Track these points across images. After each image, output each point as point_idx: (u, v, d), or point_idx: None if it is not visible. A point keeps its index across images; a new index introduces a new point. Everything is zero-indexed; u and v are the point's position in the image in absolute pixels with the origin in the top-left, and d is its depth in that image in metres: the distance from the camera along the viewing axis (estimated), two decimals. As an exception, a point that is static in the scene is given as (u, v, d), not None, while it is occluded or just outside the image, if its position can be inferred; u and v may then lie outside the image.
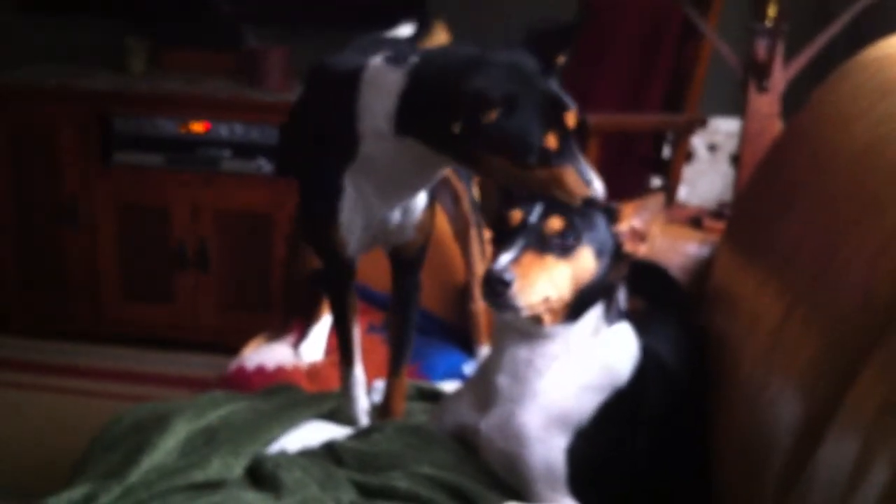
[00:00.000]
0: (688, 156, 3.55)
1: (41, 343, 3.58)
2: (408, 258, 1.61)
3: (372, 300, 2.07)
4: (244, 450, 1.44)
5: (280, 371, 1.92)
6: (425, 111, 1.38)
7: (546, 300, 1.34)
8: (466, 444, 1.49)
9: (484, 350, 1.96)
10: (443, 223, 1.95)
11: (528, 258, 1.33)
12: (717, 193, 3.70)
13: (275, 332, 2.11)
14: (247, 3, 3.73)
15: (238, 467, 1.41)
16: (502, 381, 1.44)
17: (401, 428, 1.54)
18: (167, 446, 1.43)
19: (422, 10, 3.34)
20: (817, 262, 1.27)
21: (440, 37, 1.80)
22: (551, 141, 1.32)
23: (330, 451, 1.50)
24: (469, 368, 1.94)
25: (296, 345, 2.02)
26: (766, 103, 2.62)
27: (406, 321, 1.65)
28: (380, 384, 1.75)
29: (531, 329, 1.40)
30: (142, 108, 3.45)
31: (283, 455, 1.47)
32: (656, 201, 1.43)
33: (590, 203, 1.36)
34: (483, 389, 1.48)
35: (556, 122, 1.33)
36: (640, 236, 1.43)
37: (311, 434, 1.56)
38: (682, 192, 3.62)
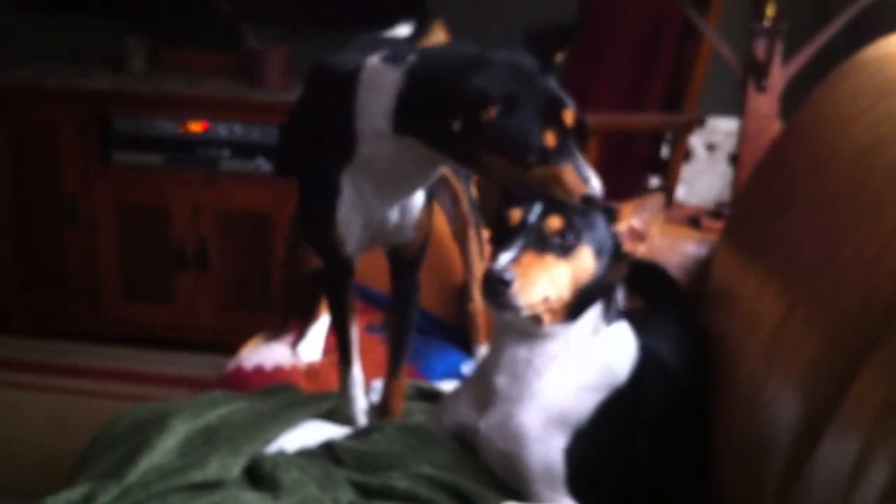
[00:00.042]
0: (686, 155, 3.55)
1: (41, 343, 3.59)
2: (406, 258, 1.61)
3: (371, 300, 2.07)
4: (243, 450, 1.44)
5: (278, 371, 1.92)
6: (424, 110, 1.38)
7: (546, 300, 1.35)
8: (465, 443, 1.49)
9: (482, 350, 1.96)
10: (441, 223, 1.95)
11: (528, 258, 1.33)
12: (715, 193, 3.70)
13: (273, 332, 2.11)
14: (247, 3, 3.74)
15: (236, 467, 1.41)
16: (501, 380, 1.44)
17: (400, 428, 1.54)
18: (166, 446, 1.43)
19: (421, 10, 3.34)
20: (817, 262, 1.27)
21: (438, 36, 1.80)
22: (550, 139, 1.32)
23: (329, 451, 1.50)
24: (468, 368, 1.95)
25: (294, 345, 2.02)
26: (765, 103, 2.62)
27: (405, 321, 1.65)
28: (378, 384, 1.75)
29: (530, 329, 1.40)
30: (142, 108, 3.45)
31: (281, 455, 1.47)
32: (656, 201, 1.43)
33: (588, 201, 1.36)
34: (482, 389, 1.48)
35: (555, 121, 1.33)
36: (639, 236, 1.43)
37: (310, 434, 1.55)
38: (681, 192, 3.62)
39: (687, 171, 3.67)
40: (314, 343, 2.01)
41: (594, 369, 1.43)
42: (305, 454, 1.49)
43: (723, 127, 3.65)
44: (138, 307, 3.59)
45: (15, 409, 3.14)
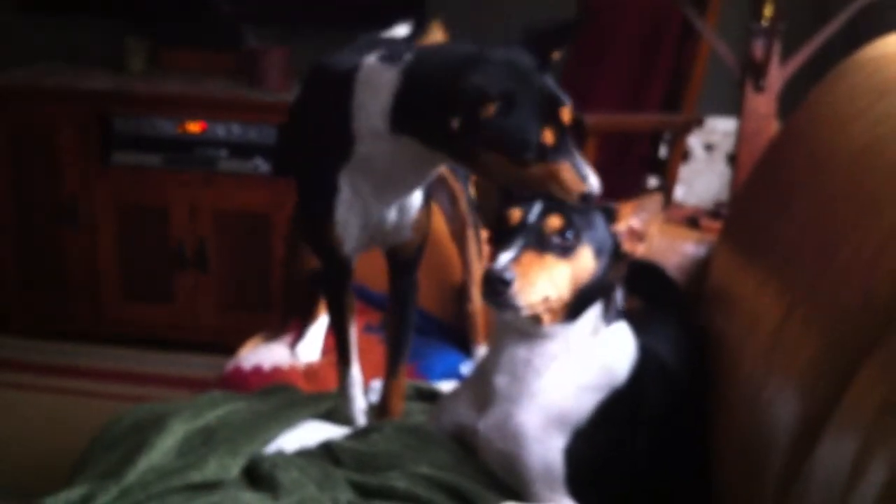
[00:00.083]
0: (684, 155, 3.55)
1: (41, 343, 3.59)
2: (405, 258, 1.61)
3: (369, 300, 2.07)
4: (241, 450, 1.44)
5: (277, 371, 1.92)
6: (421, 109, 1.38)
7: (546, 299, 1.35)
8: (465, 444, 1.49)
9: (481, 350, 1.96)
10: (440, 223, 1.95)
11: (528, 257, 1.33)
12: (713, 193, 3.70)
13: (272, 333, 2.11)
14: (247, 3, 3.74)
15: (235, 468, 1.41)
16: (500, 380, 1.44)
17: (399, 428, 1.54)
18: (164, 447, 1.43)
19: (421, 10, 3.35)
20: (816, 262, 1.27)
21: (436, 36, 1.80)
22: (548, 136, 1.32)
23: (327, 451, 1.50)
24: (466, 368, 1.95)
25: (293, 345, 2.02)
26: (763, 103, 2.62)
27: (403, 321, 1.65)
28: (377, 384, 1.75)
29: (530, 329, 1.41)
30: (142, 108, 3.45)
31: (280, 455, 1.47)
32: (655, 201, 1.43)
33: (586, 199, 1.36)
34: (481, 389, 1.48)
35: (553, 118, 1.33)
36: (638, 236, 1.43)
37: (309, 434, 1.55)
38: (679, 192, 3.62)
39: (685, 171, 3.67)
40: (313, 343, 2.01)
41: (594, 369, 1.43)
42: (304, 454, 1.49)
43: (721, 127, 3.65)
44: (138, 307, 3.59)
45: (15, 410, 3.14)
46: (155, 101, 3.46)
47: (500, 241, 1.37)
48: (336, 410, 1.65)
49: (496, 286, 1.30)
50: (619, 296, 1.47)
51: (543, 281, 1.33)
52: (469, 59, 1.34)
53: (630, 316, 1.50)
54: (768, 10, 2.57)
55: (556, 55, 1.39)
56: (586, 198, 1.36)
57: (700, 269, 1.91)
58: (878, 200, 1.20)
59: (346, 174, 1.48)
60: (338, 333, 1.65)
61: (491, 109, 1.30)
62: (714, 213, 2.91)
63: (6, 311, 3.67)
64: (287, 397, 1.67)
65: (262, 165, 3.42)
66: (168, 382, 3.31)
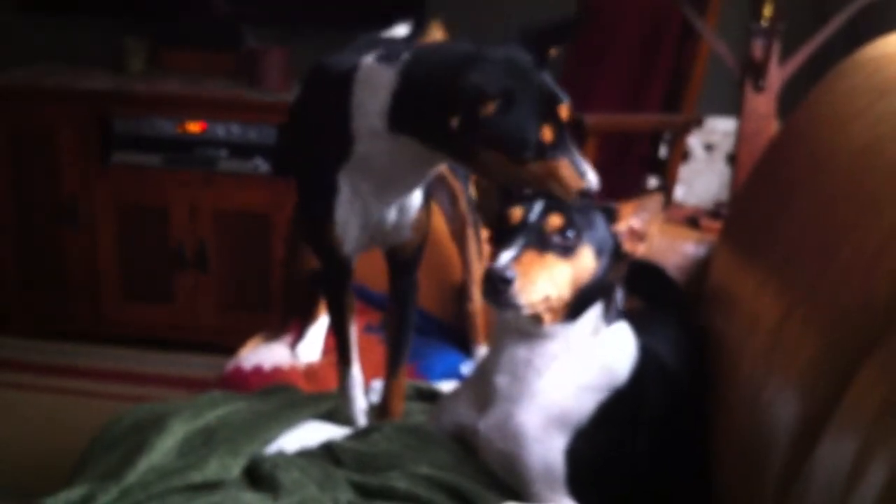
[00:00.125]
0: (684, 155, 3.55)
1: (41, 344, 3.59)
2: (405, 258, 1.61)
3: (369, 300, 2.07)
4: (242, 450, 1.44)
5: (277, 371, 1.92)
6: (419, 108, 1.38)
7: (546, 299, 1.35)
8: (465, 444, 1.49)
9: (481, 350, 1.96)
10: (440, 223, 1.95)
11: (529, 256, 1.33)
12: (713, 193, 3.70)
13: (272, 333, 2.11)
14: (246, 4, 3.73)
15: (236, 468, 1.41)
16: (501, 380, 1.44)
17: (399, 428, 1.54)
18: (165, 447, 1.43)
19: (421, 10, 3.35)
20: (816, 262, 1.27)
21: (436, 36, 1.80)
22: (547, 134, 1.33)
23: (328, 451, 1.50)
24: (467, 368, 1.95)
25: (293, 345, 2.02)
26: (763, 103, 2.62)
27: (403, 321, 1.65)
28: (377, 384, 1.75)
29: (530, 328, 1.41)
30: (141, 109, 3.45)
31: (281, 455, 1.47)
32: (655, 201, 1.43)
33: (585, 195, 1.36)
34: (482, 389, 1.48)
35: (551, 116, 1.33)
36: (638, 236, 1.43)
37: (310, 434, 1.55)
38: (679, 192, 3.62)
39: (685, 172, 3.67)
40: (313, 343, 2.01)
41: (594, 369, 1.43)
42: (305, 455, 1.49)
43: (721, 127, 3.65)
44: (138, 307, 3.59)
45: (14, 410, 3.14)
46: (154, 102, 3.46)
47: (500, 240, 1.37)
48: (336, 411, 1.65)
49: (497, 285, 1.30)
50: (619, 296, 1.47)
51: (544, 280, 1.33)
52: (467, 58, 1.34)
53: (630, 316, 1.50)
54: (768, 10, 2.57)
55: (554, 53, 1.39)
56: (585, 194, 1.36)
57: (700, 270, 1.91)
58: (879, 200, 1.20)
59: (345, 174, 1.48)
60: (338, 333, 1.65)
61: (490, 108, 1.30)
62: (714, 213, 2.91)
63: (6, 311, 3.67)
64: (287, 397, 1.67)
65: (262, 165, 3.42)
66: (168, 382, 3.31)
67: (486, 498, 1.37)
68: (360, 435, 1.55)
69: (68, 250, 3.57)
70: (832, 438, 1.04)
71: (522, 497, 1.40)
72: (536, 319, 1.39)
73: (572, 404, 1.41)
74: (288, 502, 1.33)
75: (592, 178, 1.36)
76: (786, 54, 2.60)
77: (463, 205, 1.94)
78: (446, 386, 1.79)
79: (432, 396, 1.75)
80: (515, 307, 1.33)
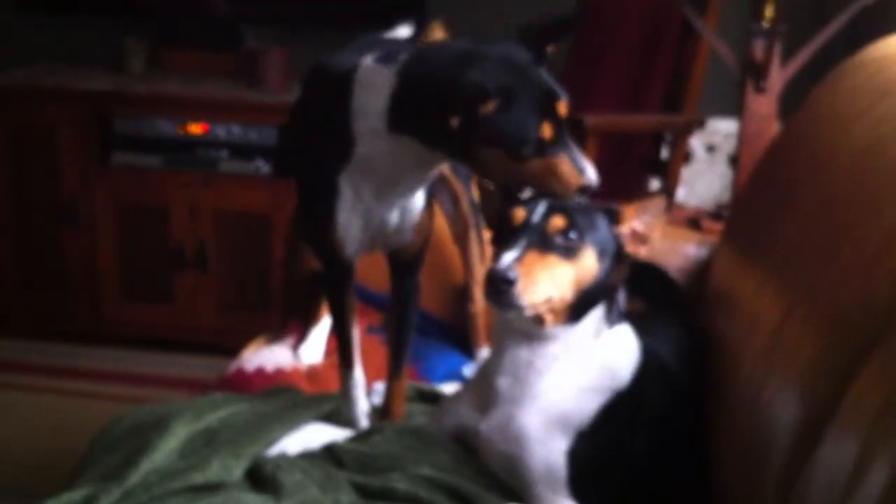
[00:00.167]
0: (686, 157, 3.55)
1: (41, 345, 3.58)
2: (406, 260, 1.61)
3: (370, 301, 2.07)
4: (244, 452, 1.44)
5: (279, 373, 1.92)
6: (418, 108, 1.38)
7: (549, 300, 1.34)
8: (466, 445, 1.49)
9: (483, 352, 1.96)
10: (442, 224, 1.95)
11: (532, 257, 1.33)
12: (715, 194, 3.70)
13: (274, 334, 2.11)
14: (246, 4, 3.73)
15: (238, 469, 1.41)
16: (502, 382, 1.44)
17: (401, 430, 1.54)
18: (166, 448, 1.43)
19: (421, 10, 3.35)
20: (817, 263, 1.27)
21: (437, 36, 1.80)
22: (546, 131, 1.33)
23: (330, 452, 1.50)
24: (468, 370, 1.94)
25: (295, 346, 2.02)
26: (764, 104, 2.62)
27: (405, 323, 1.64)
28: (379, 386, 1.75)
29: (532, 330, 1.40)
30: (141, 109, 3.45)
31: (282, 457, 1.47)
32: (658, 204, 1.43)
33: (585, 191, 1.36)
34: (483, 391, 1.48)
35: (550, 112, 1.33)
36: (641, 238, 1.43)
37: (311, 436, 1.55)
38: (681, 193, 3.62)
39: (687, 173, 3.66)
40: (315, 345, 2.00)
41: (596, 371, 1.43)
42: (307, 456, 1.49)
43: (722, 128, 3.65)
44: (138, 307, 3.59)
45: (15, 410, 3.14)
46: (155, 102, 3.46)
47: (503, 241, 1.37)
48: (338, 412, 1.65)
49: (499, 286, 1.30)
50: (621, 297, 1.47)
51: (546, 281, 1.33)
52: (465, 57, 1.34)
53: (632, 317, 1.50)
54: (769, 11, 2.57)
55: (552, 50, 1.39)
56: (585, 191, 1.36)
57: (701, 271, 1.91)
58: (879, 201, 1.20)
59: (346, 176, 1.48)
60: (340, 335, 1.65)
61: (490, 107, 1.30)
62: (715, 214, 2.91)
63: (6, 311, 3.66)
64: (289, 399, 1.67)
65: (263, 167, 3.42)
66: (168, 384, 3.31)
67: (487, 499, 1.37)
68: (361, 436, 1.55)
69: (68, 250, 3.57)
70: (833, 439, 1.04)
71: (524, 498, 1.40)
72: (538, 321, 1.39)
73: (574, 406, 1.41)
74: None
75: (592, 175, 1.36)
76: (787, 55, 2.60)
77: (465, 206, 1.94)
78: (448, 387, 1.79)
79: (434, 398, 1.75)
80: (518, 308, 1.33)
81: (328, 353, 1.98)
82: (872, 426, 0.95)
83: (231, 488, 1.38)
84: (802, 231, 1.39)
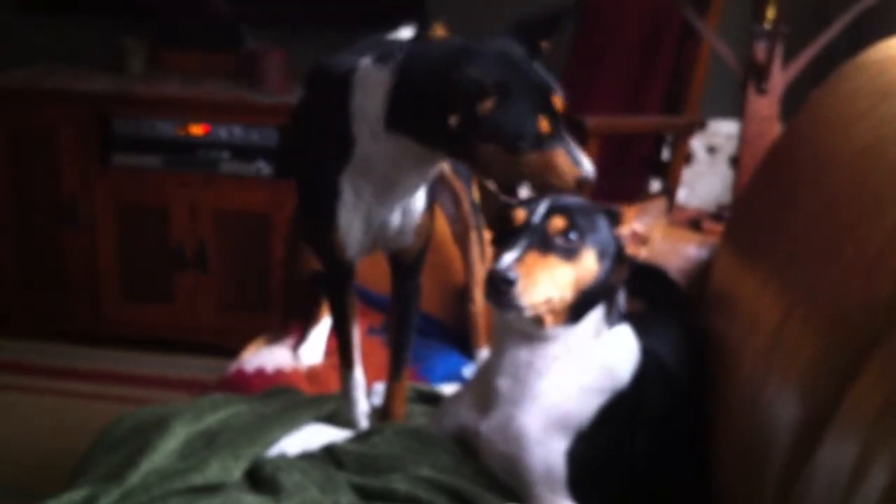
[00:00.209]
0: (687, 158, 3.55)
1: (41, 345, 3.58)
2: (407, 262, 1.61)
3: (371, 302, 2.07)
4: (243, 452, 1.43)
5: (279, 374, 1.92)
6: (415, 107, 1.38)
7: (548, 301, 1.34)
8: (466, 446, 1.49)
9: (483, 352, 1.96)
10: (442, 225, 1.94)
11: (532, 258, 1.33)
12: (715, 196, 3.70)
13: (274, 335, 2.11)
14: (246, 4, 3.73)
15: (237, 470, 1.41)
16: (502, 383, 1.44)
17: (400, 430, 1.54)
18: (166, 449, 1.43)
19: (421, 10, 3.35)
20: (818, 263, 1.27)
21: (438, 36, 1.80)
22: (543, 124, 1.33)
23: (330, 453, 1.50)
24: (468, 371, 1.94)
25: (295, 347, 2.02)
26: (765, 105, 2.62)
27: (406, 324, 1.64)
28: (379, 387, 1.75)
29: (532, 330, 1.40)
30: (141, 110, 3.45)
31: (282, 458, 1.47)
32: (659, 205, 1.43)
33: (582, 184, 1.36)
34: (483, 391, 1.48)
35: (546, 106, 1.33)
36: (641, 239, 1.43)
37: (311, 437, 1.55)
38: (681, 195, 3.62)
39: (688, 174, 3.66)
40: (315, 346, 2.00)
41: (596, 371, 1.43)
42: (306, 457, 1.49)
43: (723, 129, 3.65)
44: (138, 307, 3.59)
45: (15, 411, 3.14)
46: (155, 103, 3.45)
47: (503, 241, 1.37)
48: (338, 413, 1.64)
49: (500, 286, 1.30)
50: (621, 298, 1.47)
51: (547, 282, 1.33)
52: (460, 54, 1.34)
53: (632, 318, 1.50)
54: (770, 13, 2.57)
55: (546, 45, 1.39)
56: (582, 184, 1.36)
57: (702, 272, 1.91)
58: (881, 201, 1.20)
59: (347, 177, 1.48)
60: (340, 336, 1.65)
61: (488, 104, 1.30)
62: (716, 215, 2.91)
63: (6, 312, 3.66)
64: (289, 400, 1.67)
65: (264, 168, 3.41)
66: (168, 385, 3.31)
67: (487, 500, 1.37)
68: (361, 437, 1.55)
69: (68, 250, 3.57)
70: (833, 439, 1.04)
71: (523, 499, 1.40)
72: (538, 321, 1.38)
73: (574, 406, 1.41)
74: (289, 504, 1.33)
75: (589, 167, 1.36)
76: (788, 57, 2.60)
77: (466, 206, 1.94)
78: (448, 388, 1.79)
79: (434, 399, 1.75)
80: (518, 308, 1.33)
81: (328, 354, 1.97)
82: (872, 426, 0.95)
83: (230, 489, 1.38)
84: (803, 232, 1.39)
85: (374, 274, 1.81)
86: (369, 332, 2.00)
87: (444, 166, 1.83)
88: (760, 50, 2.58)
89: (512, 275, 1.30)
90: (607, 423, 1.41)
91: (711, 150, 3.73)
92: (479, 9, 3.63)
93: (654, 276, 1.80)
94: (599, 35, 3.35)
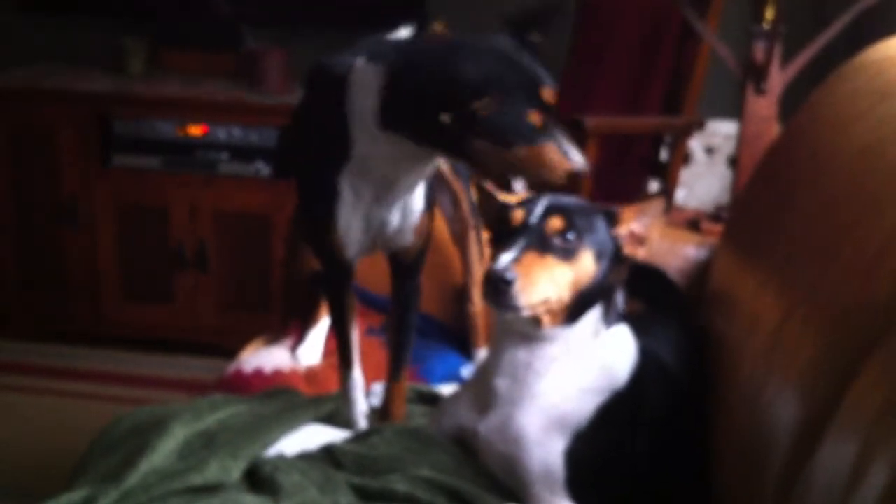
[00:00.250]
0: (685, 158, 3.55)
1: (41, 346, 3.58)
2: (407, 263, 1.61)
3: (371, 303, 2.07)
4: (242, 453, 1.43)
5: (278, 374, 1.92)
6: (406, 104, 1.38)
7: (546, 301, 1.35)
8: (465, 446, 1.49)
9: (482, 353, 1.96)
10: (441, 226, 1.94)
11: (530, 258, 1.33)
12: (714, 196, 3.70)
13: (273, 335, 2.11)
14: (246, 4, 3.73)
15: (236, 470, 1.41)
16: (501, 383, 1.44)
17: (399, 431, 1.54)
18: (165, 449, 1.42)
19: (421, 10, 3.35)
20: (817, 263, 1.27)
21: (438, 36, 1.80)
22: (535, 118, 1.32)
23: (328, 454, 1.50)
24: (467, 371, 1.94)
25: (294, 348, 2.02)
26: (764, 105, 2.62)
27: (406, 325, 1.64)
28: (378, 387, 1.75)
29: (530, 331, 1.40)
30: (141, 110, 3.45)
31: (281, 458, 1.47)
32: (657, 206, 1.43)
33: (574, 177, 1.36)
34: (482, 392, 1.48)
35: (537, 100, 1.33)
36: (639, 240, 1.43)
37: (310, 437, 1.55)
38: (680, 195, 3.62)
39: (686, 174, 3.66)
40: (314, 346, 2.00)
41: (594, 371, 1.43)
42: (305, 457, 1.49)
43: (722, 130, 3.65)
44: (138, 307, 3.59)
45: (15, 411, 3.14)
46: (155, 104, 3.45)
47: (501, 241, 1.37)
48: (337, 413, 1.64)
49: (498, 286, 1.30)
50: (619, 298, 1.47)
51: (544, 281, 1.33)
52: (451, 51, 1.34)
53: (631, 319, 1.50)
54: (769, 13, 2.57)
55: (537, 38, 1.39)
56: (574, 177, 1.36)
57: (701, 272, 1.92)
58: (880, 201, 1.20)
59: (346, 176, 1.48)
60: (339, 336, 1.65)
61: (480, 101, 1.30)
62: (715, 216, 2.91)
63: (6, 312, 3.66)
64: (288, 400, 1.67)
65: (263, 169, 3.41)
66: (168, 385, 3.31)
67: (487, 500, 1.37)
68: (360, 438, 1.55)
69: (68, 250, 3.57)
70: (833, 439, 1.04)
71: (522, 499, 1.40)
72: (536, 322, 1.38)
73: (572, 406, 1.41)
74: (288, 504, 1.33)
75: (579, 161, 1.35)
76: (787, 57, 2.60)
77: (465, 207, 1.94)
78: (447, 389, 1.79)
79: (433, 399, 1.75)
80: (515, 308, 1.33)
81: (326, 355, 1.97)
82: (872, 426, 0.95)
83: (229, 489, 1.37)
84: (802, 232, 1.39)
85: (373, 274, 1.81)
86: (368, 332, 2.00)
87: (444, 166, 1.83)
88: (759, 50, 2.58)
89: (510, 275, 1.30)
90: (606, 423, 1.41)
91: (710, 150, 3.73)
92: (479, 9, 3.62)
93: (653, 276, 1.80)
94: (599, 35, 3.35)
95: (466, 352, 2.02)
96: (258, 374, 1.92)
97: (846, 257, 1.19)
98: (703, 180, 3.75)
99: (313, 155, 1.54)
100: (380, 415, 1.65)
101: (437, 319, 2.08)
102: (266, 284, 3.46)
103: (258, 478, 1.41)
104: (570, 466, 1.38)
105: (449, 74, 1.31)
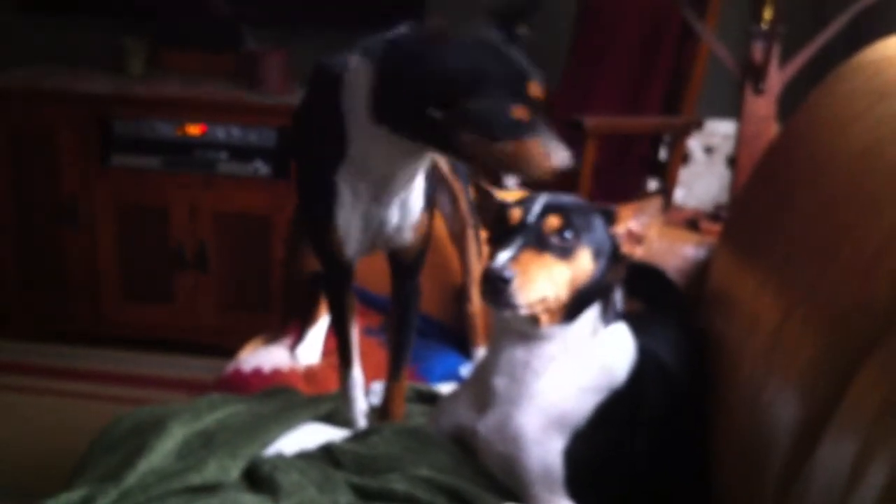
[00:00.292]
0: (684, 158, 3.55)
1: (41, 346, 3.58)
2: (407, 262, 1.61)
3: (371, 303, 2.07)
4: (241, 452, 1.43)
5: (277, 373, 1.92)
6: (395, 99, 1.38)
7: (544, 299, 1.35)
8: (464, 446, 1.49)
9: (480, 352, 1.96)
10: (440, 225, 1.95)
11: (527, 256, 1.33)
12: (713, 196, 3.71)
13: (272, 335, 2.11)
14: (246, 4, 3.73)
15: (235, 470, 1.41)
16: (499, 382, 1.44)
17: (399, 430, 1.54)
18: (164, 449, 1.43)
19: (421, 10, 3.35)
20: (816, 263, 1.28)
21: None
22: (520, 113, 1.32)
23: (328, 453, 1.50)
24: (466, 371, 1.94)
25: (293, 347, 2.02)
26: (763, 105, 2.62)
27: (406, 325, 1.64)
28: (377, 386, 1.75)
29: (528, 330, 1.41)
30: (141, 110, 3.45)
31: (280, 458, 1.47)
32: (654, 204, 1.43)
33: (568, 173, 1.36)
34: (480, 391, 1.48)
35: (523, 94, 1.33)
36: (637, 238, 1.43)
37: (309, 436, 1.55)
38: (679, 195, 3.63)
39: (685, 174, 3.67)
40: (312, 346, 2.00)
41: (593, 370, 1.43)
42: (304, 457, 1.49)
43: (721, 129, 3.66)
44: (138, 307, 3.59)
45: (15, 411, 3.14)
46: (154, 104, 3.46)
47: (499, 240, 1.37)
48: (336, 412, 1.65)
49: (495, 284, 1.30)
50: (617, 297, 1.47)
51: (542, 280, 1.33)
52: (438, 45, 1.33)
53: (630, 318, 1.50)
54: (768, 13, 2.57)
55: (523, 30, 1.39)
56: (560, 172, 1.36)
57: (700, 272, 1.92)
58: (879, 201, 1.20)
59: (343, 176, 1.48)
60: (339, 335, 1.65)
61: (465, 95, 1.30)
62: (714, 215, 2.92)
63: (6, 312, 3.66)
64: (287, 399, 1.67)
65: (262, 168, 3.42)
66: (167, 385, 3.31)
67: (486, 500, 1.37)
68: (359, 437, 1.55)
69: (68, 250, 3.57)
70: (832, 439, 1.04)
71: (521, 499, 1.40)
72: (534, 320, 1.39)
73: (571, 405, 1.41)
74: (287, 504, 1.33)
75: (562, 158, 1.35)
76: (786, 57, 2.60)
77: (463, 206, 1.94)
78: (446, 388, 1.79)
79: (432, 399, 1.75)
80: (513, 307, 1.33)
81: (325, 354, 1.98)
82: (872, 426, 0.95)
83: (228, 489, 1.37)
84: (801, 232, 1.39)
85: (373, 274, 1.81)
86: (366, 332, 2.00)
87: (443, 166, 1.83)
88: (758, 50, 2.59)
89: (507, 273, 1.30)
90: (605, 422, 1.41)
91: (709, 150, 3.73)
92: (480, 8, 3.63)
93: (652, 276, 1.80)
94: (599, 35, 3.35)
95: (465, 351, 2.02)
96: (257, 373, 1.92)
97: (845, 257, 1.20)
98: (702, 180, 3.75)
99: (313, 155, 1.54)
100: (379, 414, 1.65)
101: (436, 319, 2.08)
102: (266, 284, 3.46)
103: (257, 477, 1.41)
104: (569, 465, 1.38)
105: (436, 69, 1.31)
